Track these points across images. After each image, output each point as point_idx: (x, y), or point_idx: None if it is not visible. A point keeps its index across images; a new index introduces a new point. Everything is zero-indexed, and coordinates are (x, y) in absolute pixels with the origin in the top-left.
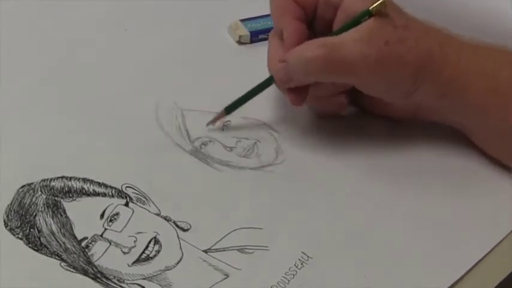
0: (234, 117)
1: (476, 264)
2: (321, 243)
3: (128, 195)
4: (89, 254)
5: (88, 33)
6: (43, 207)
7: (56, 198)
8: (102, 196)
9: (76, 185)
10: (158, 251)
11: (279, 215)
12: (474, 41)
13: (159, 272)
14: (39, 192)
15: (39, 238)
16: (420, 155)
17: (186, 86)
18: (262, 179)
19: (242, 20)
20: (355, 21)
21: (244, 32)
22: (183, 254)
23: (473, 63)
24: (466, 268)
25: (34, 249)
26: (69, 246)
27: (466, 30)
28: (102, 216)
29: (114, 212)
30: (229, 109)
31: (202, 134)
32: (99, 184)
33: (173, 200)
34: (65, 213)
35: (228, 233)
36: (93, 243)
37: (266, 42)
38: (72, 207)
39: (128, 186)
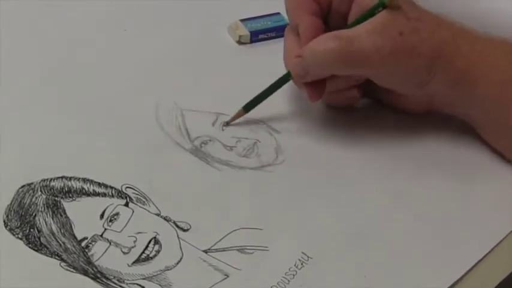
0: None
1: (476, 264)
2: (321, 243)
3: (128, 195)
4: (88, 254)
5: (88, 33)
6: (43, 207)
7: (56, 198)
8: (102, 196)
9: (76, 185)
10: (158, 251)
11: (279, 215)
12: (487, 35)
13: (159, 272)
14: (39, 192)
15: (39, 238)
16: (420, 155)
17: (186, 86)
18: (262, 179)
19: (242, 20)
20: (369, 14)
21: (244, 32)
22: (183, 254)
23: (486, 56)
24: (466, 268)
25: (34, 249)
26: (69, 246)
27: None
28: (102, 216)
29: (114, 212)
30: (248, 107)
31: (202, 133)
32: (99, 184)
33: (173, 200)
34: (64, 213)
35: (228, 233)
36: (93, 243)
37: (266, 42)
38: (72, 207)
39: (127, 187)
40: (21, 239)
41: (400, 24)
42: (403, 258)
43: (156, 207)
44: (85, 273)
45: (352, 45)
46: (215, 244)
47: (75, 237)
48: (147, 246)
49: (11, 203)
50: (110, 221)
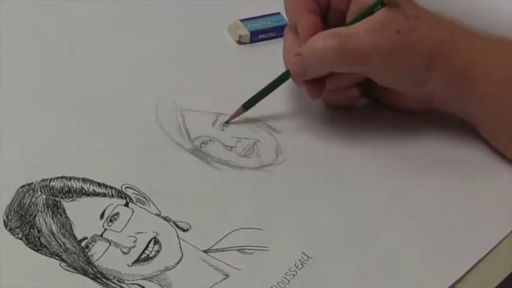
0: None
1: (476, 264)
2: (321, 243)
3: (128, 195)
4: (88, 254)
5: (88, 33)
6: (43, 208)
7: (56, 198)
8: (102, 196)
9: (76, 185)
10: (158, 251)
11: (279, 215)
12: (486, 33)
13: (159, 272)
14: (39, 192)
15: (39, 238)
16: (419, 154)
17: (186, 86)
18: (262, 179)
19: (242, 20)
20: (368, 12)
21: (244, 32)
22: (183, 254)
23: (484, 54)
24: (466, 268)
25: (34, 250)
26: (69, 246)
27: None
28: (102, 216)
29: (114, 212)
30: (247, 105)
31: (202, 133)
32: (99, 184)
33: (173, 200)
34: (64, 213)
35: (228, 233)
36: (93, 243)
37: (266, 42)
38: (72, 208)
39: (127, 187)
40: (21, 239)
41: (398, 23)
42: (403, 258)
43: (156, 207)
44: (85, 273)
45: (350, 42)
46: (215, 244)
47: (75, 237)
48: (147, 246)
49: (11, 203)
50: (110, 221)
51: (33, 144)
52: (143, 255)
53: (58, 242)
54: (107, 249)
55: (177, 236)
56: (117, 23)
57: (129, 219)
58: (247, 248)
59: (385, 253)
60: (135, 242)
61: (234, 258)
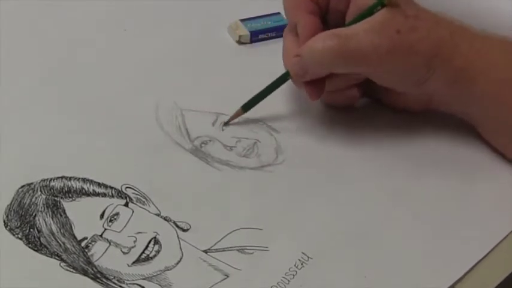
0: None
1: (476, 264)
2: (321, 243)
3: (128, 195)
4: (88, 254)
5: (88, 33)
6: (43, 208)
7: (56, 198)
8: (102, 196)
9: (76, 185)
10: (158, 251)
11: (279, 215)
12: (486, 33)
13: (158, 272)
14: (39, 192)
15: (39, 238)
16: (420, 154)
17: (186, 86)
18: (262, 179)
19: (242, 20)
20: (368, 12)
21: (244, 32)
22: (183, 254)
23: (484, 54)
24: (466, 268)
25: (34, 249)
26: (69, 246)
27: None
28: (102, 216)
29: (114, 212)
30: (246, 107)
31: (202, 133)
32: (99, 184)
33: (173, 200)
34: (64, 213)
35: (228, 233)
36: (92, 243)
37: (266, 42)
38: (72, 207)
39: (127, 187)
40: (21, 239)
41: (398, 23)
42: (403, 258)
43: (156, 207)
44: (85, 273)
45: (350, 43)
46: (215, 244)
47: (75, 237)
48: (147, 246)
49: (11, 203)
50: (110, 221)
51: (33, 144)
52: (143, 255)
53: (58, 242)
54: (106, 249)
55: (177, 236)
56: (117, 23)
57: (129, 219)
58: (247, 248)
59: (385, 253)
60: (135, 242)
61: (234, 258)
